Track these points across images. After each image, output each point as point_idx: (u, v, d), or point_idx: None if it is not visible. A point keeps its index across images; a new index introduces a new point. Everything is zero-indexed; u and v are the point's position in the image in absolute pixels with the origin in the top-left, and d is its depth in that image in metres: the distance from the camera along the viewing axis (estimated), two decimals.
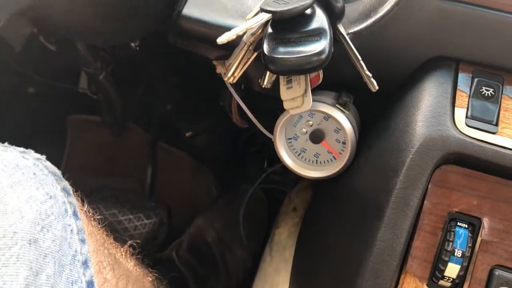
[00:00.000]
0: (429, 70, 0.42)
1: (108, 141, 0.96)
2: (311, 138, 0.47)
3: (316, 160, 0.48)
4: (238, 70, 0.46)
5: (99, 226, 0.44)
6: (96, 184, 0.91)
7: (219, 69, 0.52)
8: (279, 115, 0.49)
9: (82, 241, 0.38)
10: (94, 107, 0.88)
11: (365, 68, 0.43)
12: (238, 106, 0.64)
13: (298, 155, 0.49)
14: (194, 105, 0.81)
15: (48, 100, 0.95)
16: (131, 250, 0.49)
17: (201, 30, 0.48)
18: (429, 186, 0.39)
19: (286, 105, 0.45)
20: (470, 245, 0.37)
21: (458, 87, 0.41)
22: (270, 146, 0.69)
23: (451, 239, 0.38)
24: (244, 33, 0.43)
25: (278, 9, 0.41)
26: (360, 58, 0.43)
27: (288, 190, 0.67)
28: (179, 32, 0.49)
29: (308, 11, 0.43)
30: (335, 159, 0.48)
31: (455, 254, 0.37)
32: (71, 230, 0.37)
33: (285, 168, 0.51)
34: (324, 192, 0.53)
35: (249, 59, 0.46)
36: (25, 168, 0.36)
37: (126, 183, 0.92)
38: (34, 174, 0.36)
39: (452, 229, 0.38)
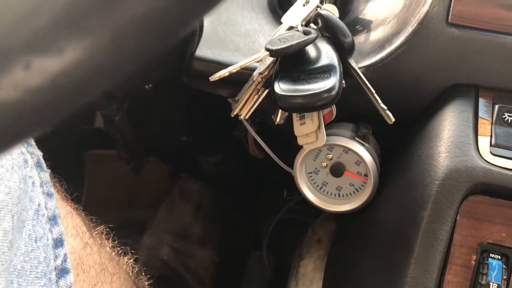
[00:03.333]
0: (448, 99, 0.41)
1: (127, 175, 0.96)
2: (332, 171, 0.47)
3: (339, 194, 0.48)
4: (246, 108, 0.47)
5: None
6: (119, 219, 0.91)
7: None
8: (297, 145, 0.49)
9: (48, 194, 0.34)
10: (110, 141, 0.88)
11: (379, 101, 0.42)
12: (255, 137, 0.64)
13: (320, 188, 0.48)
14: (210, 136, 0.82)
15: (65, 138, 0.96)
16: (106, 233, 0.45)
17: (214, 71, 0.48)
18: (458, 218, 0.38)
19: (300, 141, 0.45)
20: (505, 277, 0.36)
21: (479, 115, 0.40)
22: (289, 175, 0.69)
23: (484, 272, 0.37)
24: (238, 70, 0.44)
25: (274, 47, 0.41)
26: (374, 92, 0.42)
27: (310, 220, 0.66)
28: (193, 73, 0.49)
29: (316, 48, 0.43)
30: (357, 191, 0.47)
31: None
32: (33, 183, 0.33)
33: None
34: (350, 225, 0.52)
35: (259, 96, 0.46)
36: None
37: (148, 216, 0.92)
38: None
39: (485, 261, 0.37)
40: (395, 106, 0.42)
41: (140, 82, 0.52)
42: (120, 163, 0.94)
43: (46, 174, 0.35)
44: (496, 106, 0.40)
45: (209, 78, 0.43)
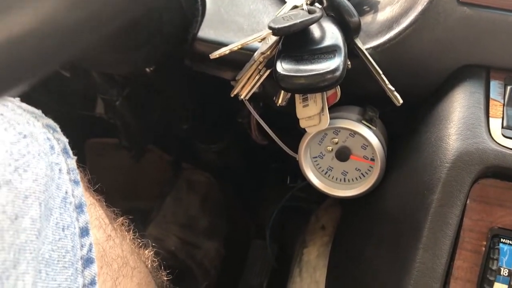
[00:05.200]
0: (458, 80, 0.40)
1: (128, 164, 0.95)
2: (337, 155, 0.46)
3: (344, 178, 0.47)
4: (247, 88, 0.45)
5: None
6: (121, 208, 0.90)
7: None
8: (302, 131, 0.47)
9: (75, 182, 0.34)
10: (111, 130, 0.87)
11: (387, 82, 0.41)
12: (258, 123, 0.63)
13: (325, 173, 0.47)
14: (212, 123, 0.80)
15: (65, 126, 0.94)
16: (127, 224, 0.45)
17: None
18: (468, 202, 0.37)
19: (302, 124, 0.44)
20: None
21: (490, 96, 0.39)
22: (291, 162, 0.67)
23: (495, 257, 0.36)
24: (240, 49, 0.43)
25: (277, 25, 0.40)
26: (381, 72, 0.41)
27: (314, 207, 0.65)
28: (195, 55, 0.48)
29: (321, 28, 0.42)
30: (363, 176, 0.46)
31: (502, 273, 0.35)
32: (60, 170, 0.32)
33: (309, 185, 0.50)
34: (355, 211, 0.51)
35: (261, 76, 0.45)
36: None
37: (151, 206, 0.91)
38: (2, 114, 0.31)
39: (496, 246, 0.36)
40: (403, 88, 0.41)
41: (141, 64, 0.51)
42: (121, 152, 0.94)
43: (72, 161, 0.35)
44: (508, 87, 0.39)
45: (210, 55, 0.42)
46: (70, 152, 0.35)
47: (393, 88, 0.41)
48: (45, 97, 0.82)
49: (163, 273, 0.48)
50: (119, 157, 0.95)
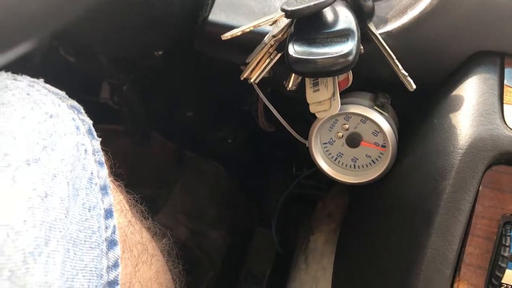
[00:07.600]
0: (472, 66, 0.40)
1: (131, 151, 0.95)
2: (348, 142, 0.45)
3: (354, 165, 0.46)
4: (257, 71, 0.45)
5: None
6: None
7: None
8: (309, 119, 0.47)
9: (100, 163, 0.34)
10: (114, 117, 0.87)
11: (400, 67, 0.41)
12: (265, 109, 0.63)
13: (335, 160, 0.47)
14: (217, 111, 0.80)
15: None
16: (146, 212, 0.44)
17: None
18: (480, 188, 0.37)
19: (312, 109, 0.44)
20: None
21: (505, 83, 0.39)
22: (297, 150, 0.67)
23: (507, 244, 0.36)
24: (252, 31, 0.43)
25: (290, 8, 0.39)
26: (394, 57, 0.41)
27: (319, 195, 0.65)
28: (206, 38, 0.48)
29: (334, 12, 0.41)
30: (374, 163, 0.46)
31: None
32: (85, 150, 0.32)
33: (316, 172, 0.49)
34: (364, 197, 0.51)
35: (271, 60, 0.45)
36: (17, 89, 0.30)
37: (154, 194, 0.91)
38: (28, 94, 0.31)
39: (508, 233, 0.36)
40: (416, 74, 0.41)
41: (150, 47, 0.51)
42: (124, 139, 0.93)
43: (97, 142, 0.34)
44: None
45: (221, 36, 0.41)
46: (95, 133, 0.35)
47: (406, 73, 0.40)
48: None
49: (179, 263, 0.48)
50: (121, 144, 0.95)
